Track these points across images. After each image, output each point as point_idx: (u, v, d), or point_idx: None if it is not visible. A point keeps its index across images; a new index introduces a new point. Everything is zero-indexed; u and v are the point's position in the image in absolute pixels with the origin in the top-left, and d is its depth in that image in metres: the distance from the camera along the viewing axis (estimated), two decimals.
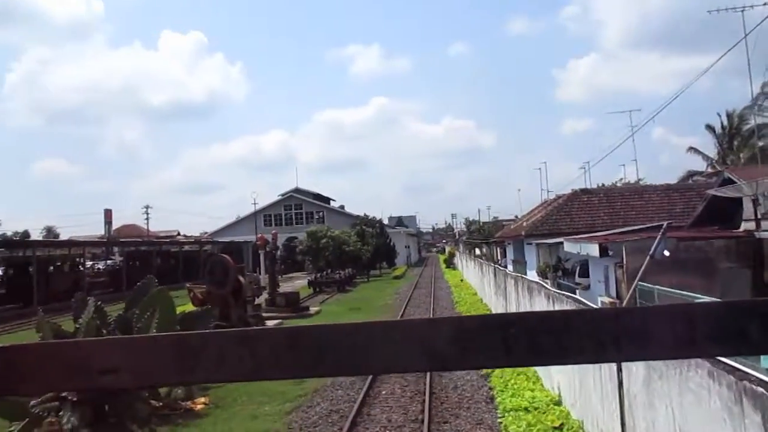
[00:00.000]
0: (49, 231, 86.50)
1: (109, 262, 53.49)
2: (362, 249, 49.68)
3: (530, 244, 31.33)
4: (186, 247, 64.43)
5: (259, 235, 50.80)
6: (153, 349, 1.14)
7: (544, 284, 16.56)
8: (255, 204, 71.20)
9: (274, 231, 53.00)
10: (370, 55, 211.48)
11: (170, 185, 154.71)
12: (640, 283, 11.21)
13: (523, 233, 30.36)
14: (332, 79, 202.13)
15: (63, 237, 74.88)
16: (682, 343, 1.11)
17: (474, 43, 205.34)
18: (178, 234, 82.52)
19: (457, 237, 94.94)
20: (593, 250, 18.87)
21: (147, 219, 79.24)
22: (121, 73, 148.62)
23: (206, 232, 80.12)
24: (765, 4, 21.59)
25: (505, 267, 36.04)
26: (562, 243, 24.21)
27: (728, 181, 19.97)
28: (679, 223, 24.41)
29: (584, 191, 32.38)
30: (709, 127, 46.26)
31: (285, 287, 46.22)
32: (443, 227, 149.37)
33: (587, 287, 21.47)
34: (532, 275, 26.75)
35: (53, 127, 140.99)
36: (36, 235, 74.91)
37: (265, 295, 28.43)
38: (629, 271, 15.80)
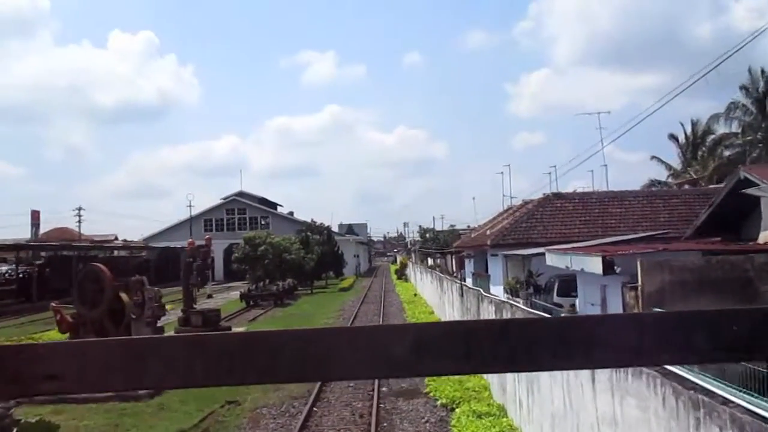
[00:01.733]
0: None
1: (23, 268, 46.16)
2: (306, 257, 43.84)
3: (495, 255, 26.18)
4: (119, 253, 57.07)
5: (189, 241, 44.14)
6: (98, 355, 1.11)
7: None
8: (191, 206, 65.22)
9: (207, 236, 46.69)
10: (325, 62, 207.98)
11: (116, 188, 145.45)
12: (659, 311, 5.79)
13: (488, 243, 25.26)
14: (286, 85, 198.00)
15: None
16: (632, 352, 1.13)
17: (429, 54, 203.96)
18: (116, 238, 76.30)
19: (409, 246, 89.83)
20: (592, 264, 13.63)
21: (79, 222, 73.91)
22: (68, 72, 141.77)
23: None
24: None
25: (463, 281, 30.80)
26: (538, 255, 19.08)
27: (745, 183, 17.09)
28: (663, 234, 22.34)
29: (557, 195, 27.89)
30: (673, 137, 45.82)
31: (216, 300, 40.34)
32: (395, 236, 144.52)
33: (573, 311, 16.30)
34: (497, 291, 24.00)
35: None
36: None
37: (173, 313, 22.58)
38: (646, 295, 12.39)
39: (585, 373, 6.33)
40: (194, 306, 24.66)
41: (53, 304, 16.13)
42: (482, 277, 31.71)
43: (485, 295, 15.69)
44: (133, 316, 16.61)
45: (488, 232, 29.83)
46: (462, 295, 18.74)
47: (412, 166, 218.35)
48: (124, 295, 14.72)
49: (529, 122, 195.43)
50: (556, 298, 21.40)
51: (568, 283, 20.19)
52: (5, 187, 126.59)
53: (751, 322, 1.14)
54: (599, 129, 37.82)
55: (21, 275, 45.03)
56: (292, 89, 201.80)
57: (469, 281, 33.71)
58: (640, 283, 12.81)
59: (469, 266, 37.16)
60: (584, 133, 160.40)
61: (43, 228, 71.69)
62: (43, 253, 49.16)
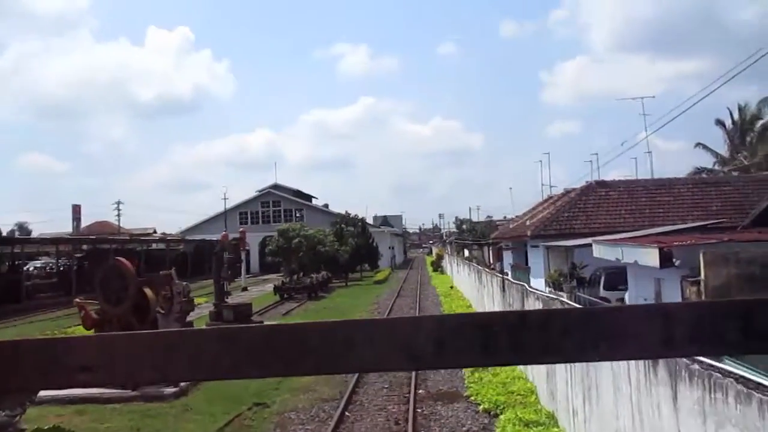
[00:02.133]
0: (21, 227, 79.80)
1: (62, 261, 46.67)
2: (340, 250, 43.01)
3: (536, 246, 24.87)
4: (156, 245, 57.22)
5: (223, 233, 43.83)
6: (128, 347, 1.15)
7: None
8: (225, 199, 64.66)
9: (241, 229, 46.35)
10: (358, 55, 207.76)
11: (155, 182, 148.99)
12: None
13: (528, 233, 23.97)
14: (320, 78, 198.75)
15: (34, 234, 71.44)
16: (661, 343, 1.13)
17: (463, 44, 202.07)
18: (154, 231, 76.97)
19: (444, 238, 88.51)
20: (647, 256, 12.31)
21: (118, 215, 75.32)
22: (107, 69, 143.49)
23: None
24: None
25: (502, 272, 29.47)
26: (583, 246, 17.80)
27: None
28: (717, 223, 21.10)
29: (601, 184, 26.41)
30: (719, 123, 43.70)
31: (251, 293, 39.94)
32: (430, 228, 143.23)
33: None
34: (538, 284, 22.97)
35: (38, 122, 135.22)
36: (6, 231, 68.51)
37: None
38: (710, 290, 11.33)
39: (664, 392, 5.19)
40: (226, 300, 24.00)
41: (77, 300, 15.48)
42: (521, 269, 30.49)
43: (531, 290, 14.52)
44: (162, 311, 16.25)
45: (528, 223, 28.55)
46: (504, 290, 17.59)
47: (448, 157, 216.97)
48: (148, 291, 14.01)
49: (566, 111, 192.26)
50: (602, 292, 20.14)
51: (615, 276, 19.22)
52: (50, 182, 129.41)
53: None
54: (643, 115, 35.99)
55: (61, 268, 45.28)
56: (326, 82, 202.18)
57: (509, 273, 32.47)
58: (702, 276, 11.71)
59: (508, 258, 35.91)
60: (621, 122, 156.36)
61: (85, 222, 72.47)
62: (84, 247, 49.07)
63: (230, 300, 26.21)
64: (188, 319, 18.52)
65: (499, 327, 1.10)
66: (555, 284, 22.88)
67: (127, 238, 58.26)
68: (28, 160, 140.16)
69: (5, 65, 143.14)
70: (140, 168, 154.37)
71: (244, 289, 44.22)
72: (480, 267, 26.18)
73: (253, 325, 1.21)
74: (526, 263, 31.68)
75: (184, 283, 18.60)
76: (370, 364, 1.18)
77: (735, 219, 21.72)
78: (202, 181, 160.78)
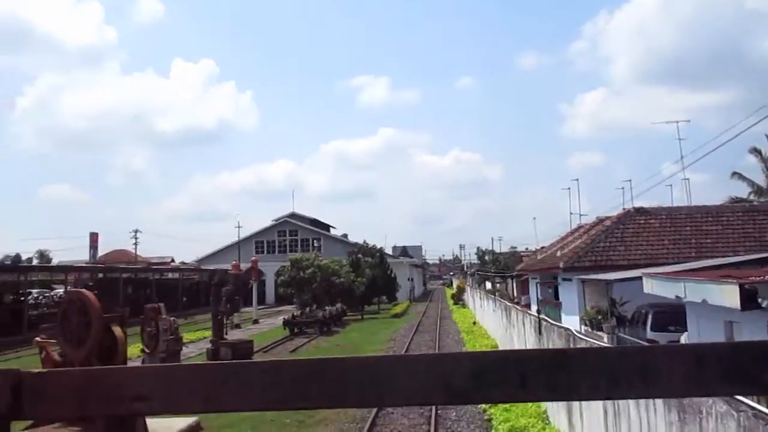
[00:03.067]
0: (42, 255, 79.36)
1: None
2: (356, 281, 40.44)
3: (568, 280, 22.14)
4: (171, 275, 55.40)
5: (233, 262, 41.39)
6: (182, 378, 1.21)
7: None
8: (239, 227, 62.63)
9: (253, 258, 44.03)
10: (379, 87, 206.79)
11: (175, 212, 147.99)
12: None
13: (560, 265, 21.23)
14: (341, 109, 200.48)
15: (54, 262, 71.97)
16: (690, 382, 1.15)
17: (482, 77, 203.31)
18: (172, 261, 74.98)
19: (465, 269, 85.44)
20: (722, 294, 11.48)
21: (135, 243, 75.66)
22: (132, 100, 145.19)
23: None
24: None
25: (528, 307, 26.60)
26: (628, 280, 16.02)
27: None
28: None
29: (640, 211, 23.89)
30: (756, 151, 41.26)
31: (261, 325, 37.48)
32: (450, 259, 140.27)
33: None
34: (571, 322, 20.18)
35: (62, 153, 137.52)
36: (25, 258, 67.68)
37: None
38: None
39: None
40: (225, 336, 21.53)
41: (38, 339, 13.10)
42: (551, 304, 27.64)
43: (580, 336, 11.78)
44: (147, 351, 15.48)
45: (559, 254, 25.85)
46: (540, 333, 14.84)
47: (467, 189, 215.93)
48: (117, 329, 11.51)
49: (586, 143, 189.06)
50: (650, 333, 17.32)
51: (666, 316, 17.21)
52: (71, 211, 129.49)
53: None
54: (678, 139, 33.53)
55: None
56: (347, 113, 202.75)
57: (534, 308, 29.51)
58: None
59: (535, 292, 32.95)
60: (642, 154, 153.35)
61: (103, 250, 72.37)
62: (100, 275, 47.57)
63: (230, 336, 23.80)
64: (183, 357, 16.17)
65: (535, 364, 1.14)
66: (592, 323, 20.18)
67: (138, 267, 56.16)
68: (53, 190, 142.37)
69: (33, 97, 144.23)
70: (162, 198, 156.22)
71: (255, 321, 41.96)
72: (509, 303, 23.44)
73: (300, 359, 1.23)
74: (556, 297, 28.73)
75: (171, 318, 16.22)
76: (411, 398, 1.20)
77: None
78: (222, 211, 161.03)
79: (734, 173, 42.77)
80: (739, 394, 2.99)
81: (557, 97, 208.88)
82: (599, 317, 20.49)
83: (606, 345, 9.56)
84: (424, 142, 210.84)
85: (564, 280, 25.52)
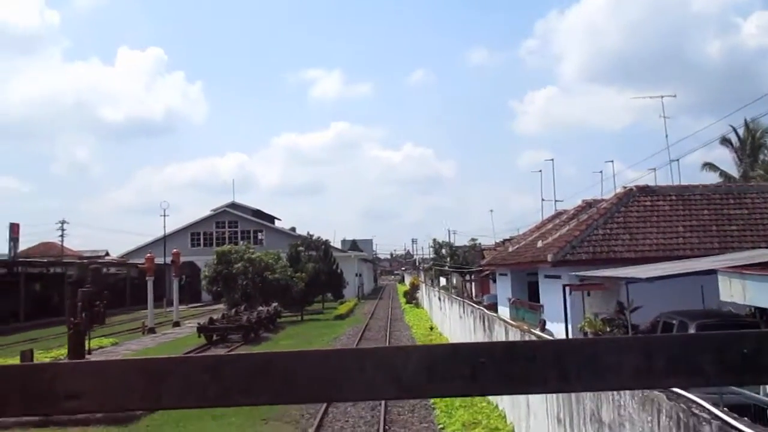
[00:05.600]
0: None
1: None
2: (294, 277, 33.71)
3: (555, 277, 19.45)
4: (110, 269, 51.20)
5: (148, 255, 33.68)
6: (119, 375, 1.14)
7: None
8: (165, 216, 54.81)
9: (175, 250, 36.70)
10: (332, 80, 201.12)
11: (120, 204, 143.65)
12: None
13: (548, 258, 15.03)
14: (293, 102, 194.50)
15: None
16: (641, 375, 1.17)
17: (434, 71, 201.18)
18: (107, 254, 66.41)
19: (417, 264, 79.43)
20: None
21: (62, 236, 67.49)
22: (76, 88, 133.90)
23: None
24: None
25: (491, 308, 23.50)
26: (666, 278, 12.69)
27: None
28: None
29: (645, 190, 17.96)
30: (726, 141, 40.12)
31: (181, 329, 30.89)
32: (402, 254, 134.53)
33: None
34: (558, 331, 16.33)
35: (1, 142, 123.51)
36: None
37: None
38: None
39: None
40: (87, 355, 14.78)
41: None
42: (528, 308, 21.43)
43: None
44: None
45: (540, 244, 19.68)
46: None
47: (420, 184, 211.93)
48: None
49: (536, 139, 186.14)
50: None
51: (707, 329, 11.36)
52: (12, 202, 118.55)
53: (759, 344, 1.15)
54: (663, 117, 29.23)
55: None
56: (299, 106, 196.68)
57: (505, 311, 23.40)
58: None
59: (503, 290, 26.86)
60: (590, 151, 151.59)
61: (33, 242, 66.53)
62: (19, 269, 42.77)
63: (132, 346, 17.05)
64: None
65: (487, 357, 1.13)
66: (597, 335, 13.99)
67: (37, 260, 48.42)
68: None
69: None
70: (106, 190, 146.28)
71: (176, 324, 35.01)
72: (487, 312, 17.12)
73: (243, 354, 1.19)
74: (531, 298, 22.63)
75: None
76: (361, 393, 1.20)
77: None
78: (170, 205, 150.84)
79: (705, 164, 41.27)
80: (686, 385, 2.35)
81: (508, 93, 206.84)
82: (608, 329, 14.66)
83: (558, 338, 9.07)
84: (377, 136, 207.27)
85: (548, 277, 19.58)
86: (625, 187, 21.83)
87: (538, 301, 22.12)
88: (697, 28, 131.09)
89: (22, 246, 63.18)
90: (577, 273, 16.24)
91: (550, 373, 1.12)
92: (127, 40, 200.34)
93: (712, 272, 12.27)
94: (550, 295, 20.46)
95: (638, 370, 1.13)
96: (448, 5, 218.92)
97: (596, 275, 15.54)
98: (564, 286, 13.72)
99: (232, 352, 21.90)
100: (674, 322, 13.12)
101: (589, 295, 15.55)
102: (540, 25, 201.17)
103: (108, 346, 27.90)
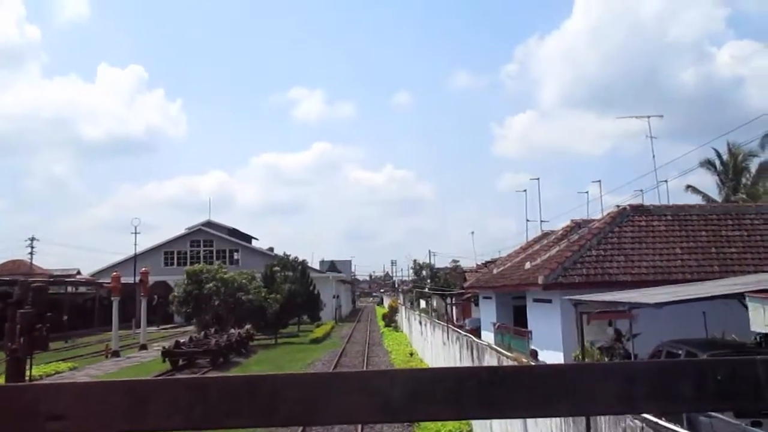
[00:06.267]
0: None
1: None
2: (268, 298, 32.04)
3: (546, 301, 18.35)
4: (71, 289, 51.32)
5: (113, 274, 31.85)
6: (102, 396, 1.13)
7: None
8: (136, 233, 52.80)
9: (144, 269, 34.78)
10: (314, 100, 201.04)
11: (96, 222, 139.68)
12: None
13: (539, 281, 13.68)
14: (274, 122, 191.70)
15: None
16: (622, 400, 1.17)
17: (416, 94, 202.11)
18: (78, 273, 63.95)
19: (397, 286, 77.80)
20: None
21: (31, 253, 65.37)
22: (54, 105, 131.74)
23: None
24: None
25: (473, 332, 22.44)
26: (670, 304, 10.71)
27: None
28: None
29: (639, 209, 16.94)
30: (709, 163, 40.02)
31: (148, 352, 29.12)
32: (381, 275, 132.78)
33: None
34: (549, 359, 15.76)
35: None
36: None
37: None
38: None
39: None
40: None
41: None
42: (514, 334, 20.13)
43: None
44: None
45: (528, 265, 18.40)
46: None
47: (400, 206, 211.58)
48: None
49: (516, 163, 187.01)
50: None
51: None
52: None
53: (732, 371, 1.17)
54: (650, 137, 28.93)
55: None
56: (281, 126, 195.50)
57: (486, 336, 22.15)
58: None
59: (487, 314, 25.49)
60: (569, 175, 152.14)
61: (4, 259, 64.68)
62: None
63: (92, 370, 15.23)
64: None
65: (470, 381, 1.14)
66: None
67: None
68: None
69: None
70: (83, 207, 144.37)
71: (143, 347, 32.89)
72: (476, 340, 15.57)
73: (229, 375, 1.18)
74: (515, 323, 21.29)
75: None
76: (344, 416, 1.17)
77: None
78: (147, 223, 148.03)
79: (688, 186, 40.70)
80: (665, 411, 2.90)
81: (489, 116, 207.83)
82: (605, 359, 13.37)
83: (539, 363, 8.93)
84: (358, 157, 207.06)
85: (537, 301, 18.21)
86: (618, 206, 20.72)
87: (525, 326, 20.81)
88: (674, 56, 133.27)
89: None
90: (571, 297, 14.83)
91: (532, 397, 1.13)
92: (108, 57, 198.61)
93: (724, 297, 11.10)
94: (540, 320, 19.32)
95: (619, 395, 1.15)
96: (432, 28, 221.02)
97: (594, 299, 14.21)
98: (581, 314, 12.41)
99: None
100: (679, 352, 11.85)
101: (611, 324, 14.17)
102: (520, 50, 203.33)
103: (65, 371, 26.12)
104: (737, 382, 1.12)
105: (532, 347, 18.01)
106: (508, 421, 9.90)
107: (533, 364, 8.58)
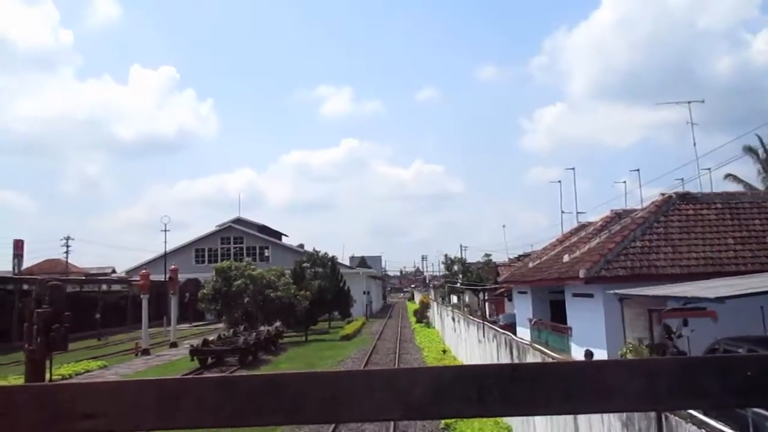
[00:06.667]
0: None
1: None
2: (298, 295, 31.53)
3: (587, 295, 17.06)
4: (104, 287, 51.45)
5: (142, 272, 31.54)
6: (135, 394, 1.16)
7: None
8: (166, 231, 52.78)
9: (173, 266, 34.49)
10: (342, 97, 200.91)
11: (130, 221, 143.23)
12: None
13: (581, 274, 12.58)
14: (303, 119, 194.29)
15: None
16: (644, 397, 1.16)
17: (443, 89, 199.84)
18: (113, 271, 65.08)
19: (427, 281, 76.82)
20: None
21: (66, 252, 65.69)
22: (88, 107, 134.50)
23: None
24: None
25: (508, 329, 21.22)
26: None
27: None
28: None
29: (686, 198, 15.63)
30: (751, 150, 38.21)
31: (178, 350, 29.01)
32: (411, 271, 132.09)
33: None
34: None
35: (10, 158, 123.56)
36: None
37: None
38: None
39: None
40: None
41: None
42: (552, 330, 19.13)
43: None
44: None
45: (566, 258, 17.36)
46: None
47: (429, 200, 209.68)
48: None
49: (545, 156, 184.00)
50: None
51: None
52: (21, 219, 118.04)
53: (763, 367, 1.15)
54: (690, 124, 27.64)
55: None
56: (309, 124, 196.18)
57: (522, 333, 21.05)
58: None
59: (522, 310, 24.47)
60: (600, 167, 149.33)
61: (40, 259, 65.96)
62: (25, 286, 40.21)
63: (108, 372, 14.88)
64: None
65: (492, 379, 1.14)
66: None
67: (32, 277, 46.67)
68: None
69: None
70: (117, 207, 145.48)
71: (173, 345, 32.64)
72: (516, 338, 14.63)
73: (256, 374, 1.20)
74: (554, 319, 20.27)
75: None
76: (369, 413, 1.19)
77: None
78: (179, 221, 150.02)
79: (728, 175, 39.36)
80: (690, 408, 2.73)
81: (517, 110, 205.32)
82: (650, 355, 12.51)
83: (563, 360, 6.25)
84: (386, 153, 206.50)
85: (576, 295, 17.18)
86: (662, 194, 19.60)
87: (564, 322, 19.78)
88: (707, 44, 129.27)
89: (29, 263, 61.71)
90: (616, 291, 13.76)
91: (554, 394, 1.13)
92: (140, 59, 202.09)
93: None
94: (580, 315, 18.31)
95: (642, 392, 1.13)
96: (457, 22, 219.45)
97: (643, 294, 13.16)
98: (650, 312, 11.45)
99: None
100: (739, 350, 10.80)
101: (659, 320, 13.23)
102: (548, 42, 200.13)
103: (95, 369, 25.93)
104: (766, 379, 1.11)
105: (587, 348, 16.81)
106: (554, 419, 9.63)
107: (554, 361, 8.33)
